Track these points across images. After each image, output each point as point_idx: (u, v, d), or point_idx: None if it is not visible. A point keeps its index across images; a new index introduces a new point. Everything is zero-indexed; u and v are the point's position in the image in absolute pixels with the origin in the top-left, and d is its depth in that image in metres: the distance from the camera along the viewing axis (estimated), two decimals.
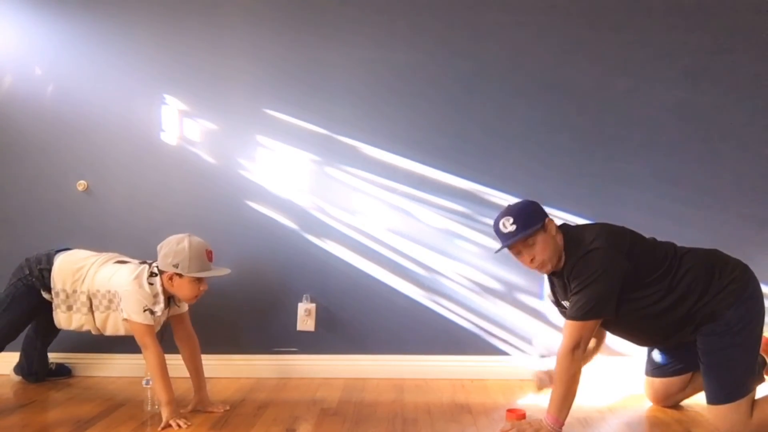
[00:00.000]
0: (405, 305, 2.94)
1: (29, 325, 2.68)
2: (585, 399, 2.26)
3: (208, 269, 2.34)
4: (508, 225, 2.18)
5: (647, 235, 2.29)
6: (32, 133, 2.99)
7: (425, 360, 2.93)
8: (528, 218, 2.18)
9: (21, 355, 2.80)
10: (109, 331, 2.49)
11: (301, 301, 2.95)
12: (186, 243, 2.30)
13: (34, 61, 3.01)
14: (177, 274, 2.31)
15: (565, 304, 2.25)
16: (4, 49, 3.01)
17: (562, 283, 2.25)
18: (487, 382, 2.83)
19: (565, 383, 2.08)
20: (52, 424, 2.28)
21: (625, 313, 2.18)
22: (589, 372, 2.29)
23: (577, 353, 2.09)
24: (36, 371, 2.79)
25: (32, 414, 2.42)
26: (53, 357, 2.88)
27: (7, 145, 3.00)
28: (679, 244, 2.28)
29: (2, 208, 3.00)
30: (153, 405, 2.37)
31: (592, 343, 2.42)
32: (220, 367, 2.92)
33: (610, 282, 2.11)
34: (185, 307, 2.50)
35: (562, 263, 2.21)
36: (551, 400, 2.10)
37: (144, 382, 2.38)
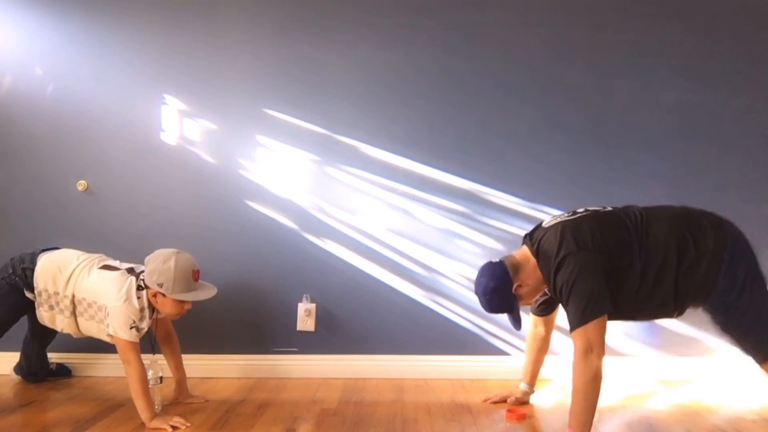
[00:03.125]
0: (405, 305, 2.94)
1: (28, 327, 2.68)
2: None
3: (193, 290, 2.32)
4: (487, 310, 2.27)
5: (609, 207, 2.20)
6: (32, 133, 3.00)
7: (425, 360, 2.93)
8: (502, 305, 2.22)
9: (21, 356, 2.80)
10: (92, 334, 2.47)
11: (301, 301, 2.95)
12: (172, 263, 2.27)
13: (34, 61, 3.01)
14: (161, 293, 2.30)
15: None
16: (4, 49, 3.02)
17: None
18: (487, 382, 2.83)
19: (583, 390, 1.96)
20: (52, 424, 2.28)
21: (621, 301, 2.11)
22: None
23: (591, 357, 1.96)
24: (35, 372, 2.79)
25: (32, 414, 2.42)
26: (53, 357, 2.88)
27: (7, 144, 3.00)
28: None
29: (2, 208, 3.00)
30: (154, 405, 2.36)
31: (542, 330, 2.46)
32: (220, 367, 2.92)
33: (589, 279, 2.02)
34: None
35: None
36: (571, 412, 1.97)
37: None
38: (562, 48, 2.95)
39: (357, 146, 2.97)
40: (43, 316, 2.49)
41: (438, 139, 2.96)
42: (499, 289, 2.18)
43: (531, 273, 2.18)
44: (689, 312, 2.27)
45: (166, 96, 2.99)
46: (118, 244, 2.88)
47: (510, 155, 2.94)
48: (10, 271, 2.50)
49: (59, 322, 2.48)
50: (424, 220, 2.96)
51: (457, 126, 2.96)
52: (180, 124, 2.99)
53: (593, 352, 1.96)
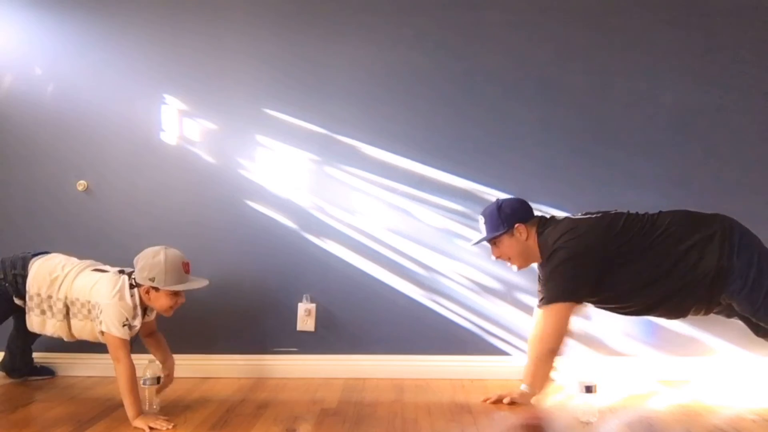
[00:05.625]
0: (405, 305, 2.94)
1: (14, 324, 2.67)
2: (585, 398, 2.26)
3: (185, 281, 2.34)
4: (480, 224, 2.55)
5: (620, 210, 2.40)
6: (32, 133, 3.00)
7: (425, 360, 2.93)
8: (496, 222, 2.47)
9: (5, 352, 2.79)
10: (84, 338, 2.46)
11: (301, 301, 2.95)
12: (162, 256, 2.30)
13: (34, 61, 3.01)
14: (153, 288, 2.31)
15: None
16: (4, 49, 3.02)
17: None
18: (487, 382, 2.83)
19: (537, 360, 2.37)
20: (52, 424, 2.28)
21: (632, 289, 2.26)
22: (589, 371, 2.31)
23: (554, 338, 2.27)
24: (19, 368, 2.79)
25: (32, 414, 2.42)
26: (53, 356, 2.89)
27: (7, 144, 3.00)
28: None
29: (3, 208, 3.00)
30: (152, 405, 2.37)
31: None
32: (220, 367, 2.92)
33: (578, 268, 2.21)
34: (153, 315, 2.51)
35: (540, 259, 2.41)
36: (527, 374, 2.41)
37: (142, 382, 2.37)
38: (562, 48, 2.95)
39: (357, 146, 2.97)
40: (33, 321, 2.47)
41: (437, 139, 2.96)
42: (514, 209, 2.47)
43: (529, 239, 2.43)
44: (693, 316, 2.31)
45: (166, 96, 2.99)
46: (118, 243, 2.88)
47: (510, 155, 2.94)
48: (1, 276, 2.49)
49: (50, 326, 2.46)
50: (424, 220, 2.96)
51: (456, 126, 2.96)
52: (180, 124, 2.99)
53: (557, 336, 2.27)
